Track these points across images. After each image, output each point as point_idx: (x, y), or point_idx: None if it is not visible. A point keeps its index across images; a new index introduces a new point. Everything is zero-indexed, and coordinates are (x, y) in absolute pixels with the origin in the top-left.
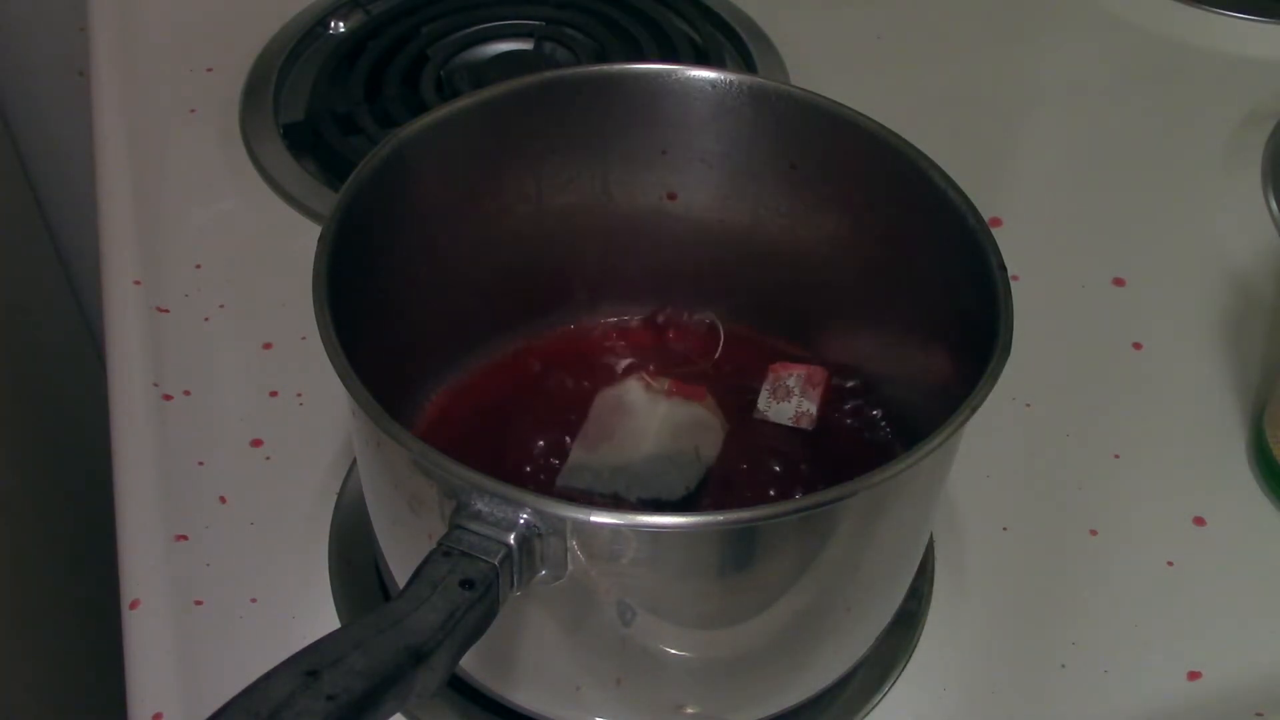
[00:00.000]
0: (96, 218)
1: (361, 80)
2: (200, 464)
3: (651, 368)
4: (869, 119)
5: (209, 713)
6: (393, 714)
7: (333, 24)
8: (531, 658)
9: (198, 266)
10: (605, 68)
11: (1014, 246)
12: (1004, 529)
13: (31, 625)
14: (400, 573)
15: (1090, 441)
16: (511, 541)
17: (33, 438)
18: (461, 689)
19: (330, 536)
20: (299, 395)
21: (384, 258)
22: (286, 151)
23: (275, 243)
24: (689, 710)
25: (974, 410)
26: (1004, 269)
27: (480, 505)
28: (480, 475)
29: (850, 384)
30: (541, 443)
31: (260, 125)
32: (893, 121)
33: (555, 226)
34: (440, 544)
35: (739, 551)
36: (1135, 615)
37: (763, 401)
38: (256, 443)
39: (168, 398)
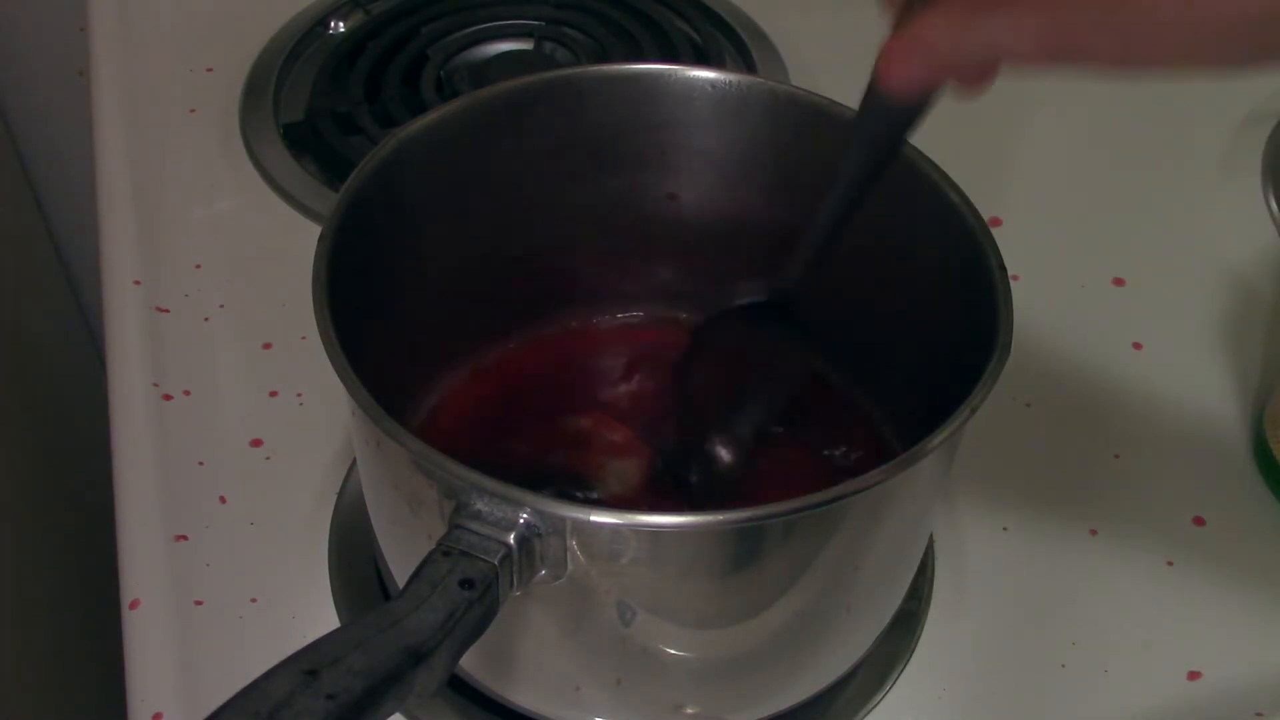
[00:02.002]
0: (96, 218)
1: (361, 80)
2: (200, 464)
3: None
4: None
5: (209, 713)
6: (392, 714)
7: (333, 24)
8: (531, 658)
9: (198, 266)
10: (605, 68)
11: (1014, 246)
12: (1004, 529)
13: (31, 625)
14: (400, 573)
15: (1090, 441)
16: (511, 541)
17: (33, 438)
18: (461, 689)
19: (330, 536)
20: (299, 395)
21: (384, 258)
22: (286, 151)
23: (275, 243)
24: (689, 710)
25: (974, 410)
26: (1004, 269)
27: (480, 505)
28: (480, 475)
29: None
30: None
31: (260, 125)
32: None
33: (555, 227)
34: (440, 544)
35: (739, 551)
36: (1135, 615)
37: None
38: (256, 443)
39: (168, 398)
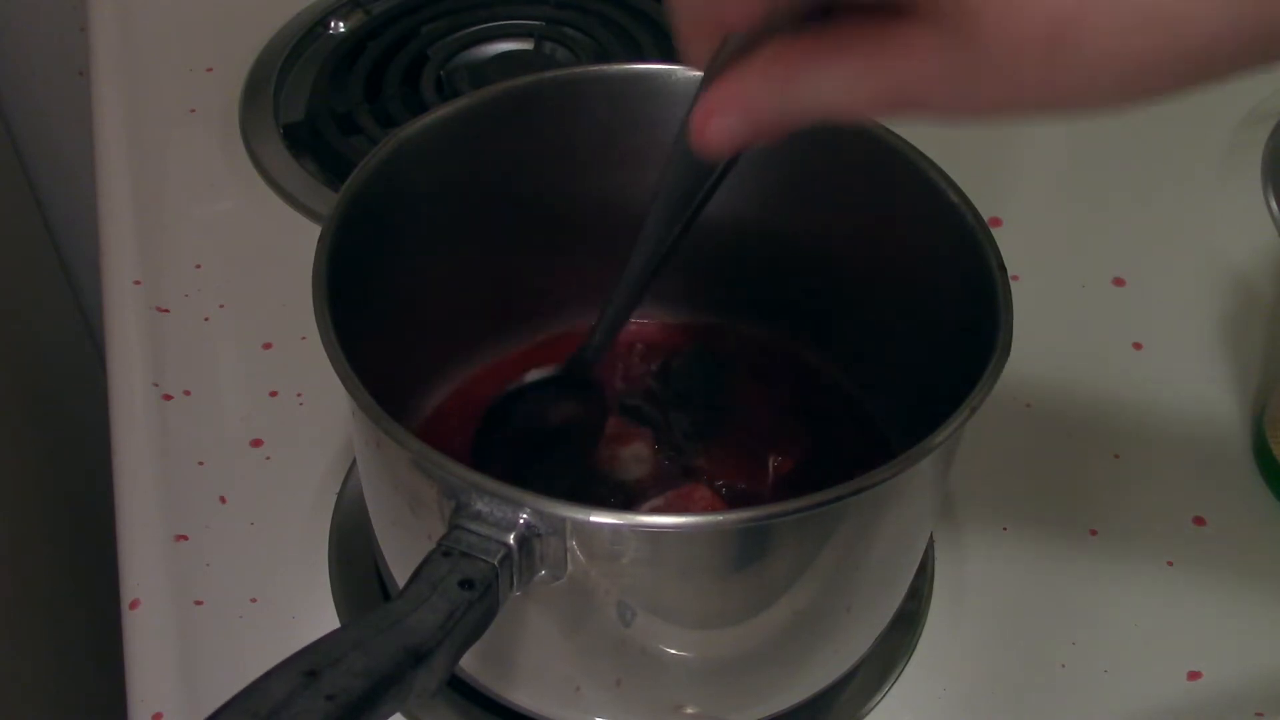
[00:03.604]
0: (96, 218)
1: (361, 80)
2: (200, 464)
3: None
4: (869, 120)
5: (209, 713)
6: (392, 714)
7: (333, 24)
8: (531, 658)
9: (198, 266)
10: (605, 68)
11: (1014, 246)
12: (1004, 529)
13: (31, 625)
14: (400, 573)
15: (1090, 441)
16: (511, 541)
17: (33, 438)
18: (461, 689)
19: (330, 536)
20: (299, 395)
21: (384, 258)
22: (286, 151)
23: (275, 243)
24: (689, 710)
25: (974, 410)
26: (1004, 269)
27: (480, 505)
28: (480, 475)
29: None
30: None
31: (260, 125)
32: (892, 121)
33: (555, 227)
34: (440, 544)
35: (739, 551)
36: (1135, 615)
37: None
38: (256, 443)
39: (168, 398)
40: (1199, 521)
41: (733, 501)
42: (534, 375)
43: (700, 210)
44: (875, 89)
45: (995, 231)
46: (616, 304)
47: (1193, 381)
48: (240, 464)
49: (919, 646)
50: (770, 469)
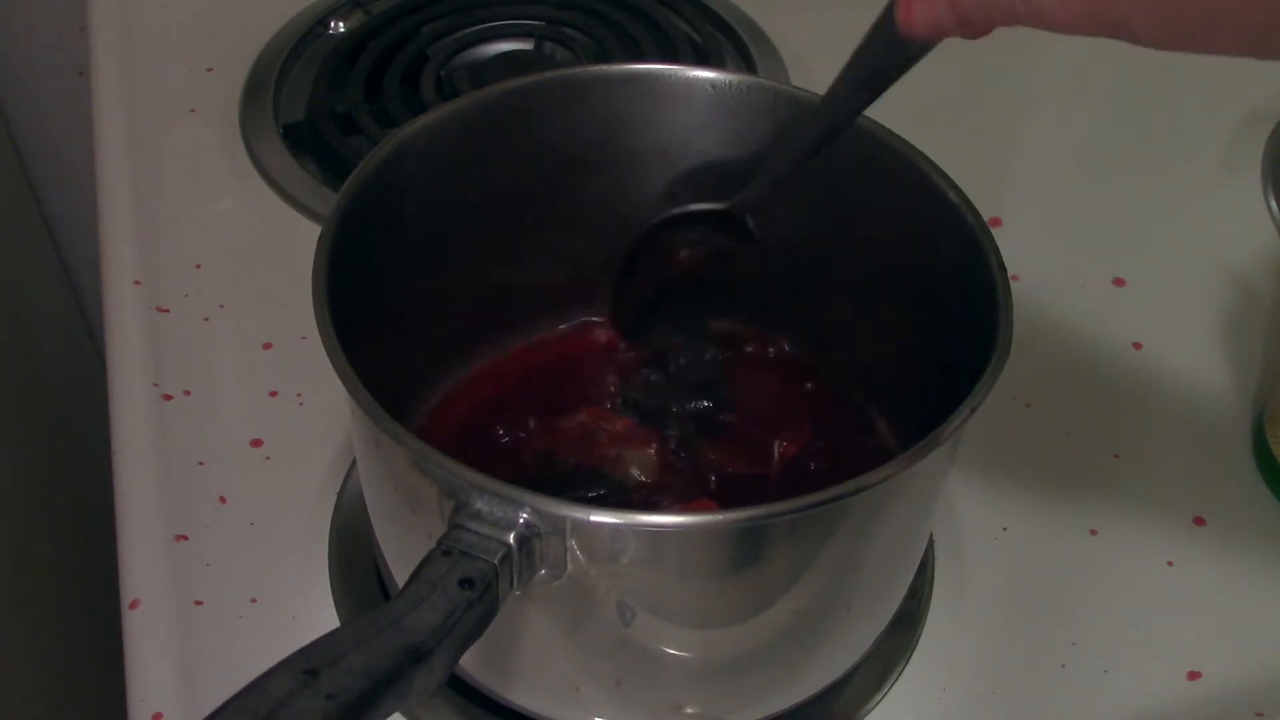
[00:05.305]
0: (96, 218)
1: (361, 80)
2: (200, 464)
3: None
4: (869, 119)
5: (209, 712)
6: (392, 713)
7: (333, 24)
8: (531, 658)
9: (198, 266)
10: (605, 68)
11: (1014, 246)
12: (1004, 529)
13: (31, 625)
14: (400, 573)
15: (1090, 441)
16: (511, 541)
17: (33, 438)
18: (461, 689)
19: (330, 536)
20: (299, 395)
21: (384, 258)
22: (286, 151)
23: (275, 243)
24: (689, 710)
25: (974, 410)
26: (1004, 269)
27: (480, 505)
28: (480, 475)
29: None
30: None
31: (260, 125)
32: (893, 121)
33: (555, 227)
34: (440, 543)
35: (739, 551)
36: (1135, 615)
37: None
38: (256, 443)
39: (168, 398)
40: (1199, 521)
41: (738, 489)
42: (696, 207)
43: (881, 91)
44: (1085, 6)
45: (995, 231)
46: (789, 152)
47: (1193, 381)
48: (240, 464)
49: (919, 646)
50: (775, 453)
